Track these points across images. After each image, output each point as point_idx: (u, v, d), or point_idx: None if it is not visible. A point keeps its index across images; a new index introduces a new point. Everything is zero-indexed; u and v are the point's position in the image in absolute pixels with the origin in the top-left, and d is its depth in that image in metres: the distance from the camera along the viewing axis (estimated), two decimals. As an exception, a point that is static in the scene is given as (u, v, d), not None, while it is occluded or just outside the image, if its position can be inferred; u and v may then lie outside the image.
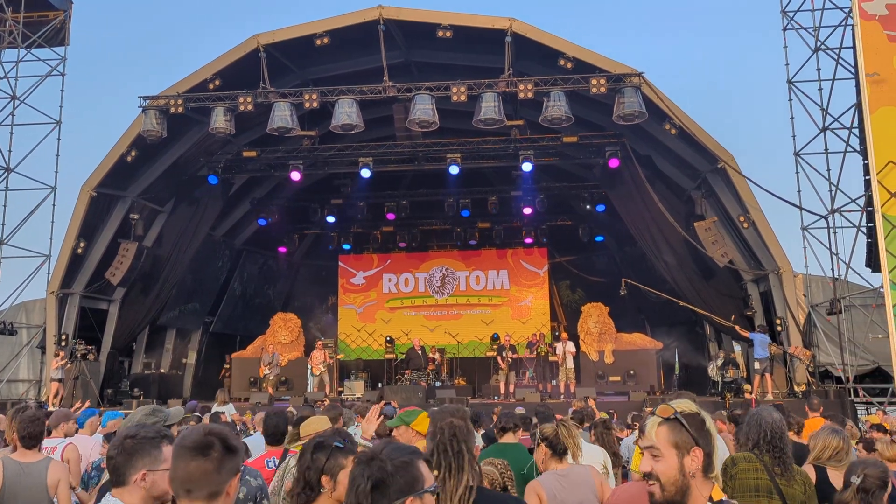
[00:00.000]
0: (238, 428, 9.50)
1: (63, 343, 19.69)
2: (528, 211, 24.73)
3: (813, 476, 4.72)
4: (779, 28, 19.91)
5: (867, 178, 16.59)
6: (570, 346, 20.53)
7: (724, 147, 18.24)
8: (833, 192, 18.30)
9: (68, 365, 19.02)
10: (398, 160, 22.37)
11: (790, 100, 19.54)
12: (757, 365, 17.70)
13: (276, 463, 5.52)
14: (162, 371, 23.79)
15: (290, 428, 5.89)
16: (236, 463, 2.47)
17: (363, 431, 5.82)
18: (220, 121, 17.84)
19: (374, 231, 27.53)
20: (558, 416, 8.43)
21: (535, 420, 6.79)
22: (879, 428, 8.85)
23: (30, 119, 22.25)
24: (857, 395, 16.84)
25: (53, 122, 22.15)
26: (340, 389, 21.58)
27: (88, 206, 19.74)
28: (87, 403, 15.75)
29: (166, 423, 4.17)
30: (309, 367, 21.96)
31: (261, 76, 18.05)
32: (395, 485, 2.17)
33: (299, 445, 5.11)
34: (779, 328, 18.76)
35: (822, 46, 19.10)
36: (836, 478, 4.76)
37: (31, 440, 5.37)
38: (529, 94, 17.04)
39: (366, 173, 21.26)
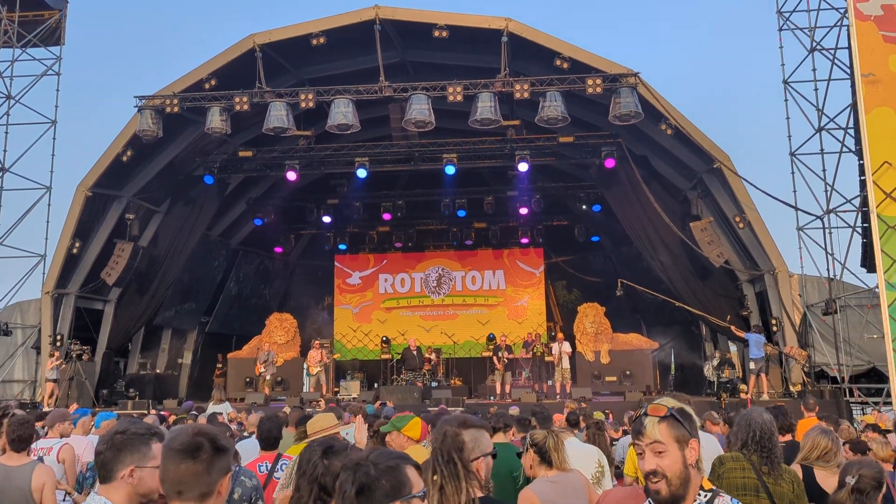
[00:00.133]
0: (235, 426, 9.47)
1: (58, 343, 19.65)
2: (524, 211, 24.74)
3: (800, 476, 4.73)
4: (774, 28, 19.99)
5: (862, 178, 16.61)
6: (566, 347, 20.52)
7: (719, 147, 18.27)
8: (828, 193, 18.37)
9: (63, 365, 18.98)
10: (394, 160, 22.36)
11: (786, 100, 19.63)
12: (752, 365, 17.73)
13: (269, 467, 5.51)
14: (158, 371, 23.75)
15: (284, 431, 5.89)
16: (226, 462, 2.46)
17: (356, 441, 5.83)
18: (215, 121, 17.83)
19: (370, 231, 27.52)
20: (556, 417, 8.45)
21: (533, 421, 6.77)
22: (875, 428, 8.87)
23: (25, 119, 22.25)
24: (852, 395, 16.88)
25: (49, 122, 22.14)
26: (336, 390, 21.57)
27: (84, 206, 19.69)
28: (76, 406, 15.74)
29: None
30: (306, 366, 21.94)
31: (257, 76, 18.03)
32: (380, 489, 2.14)
33: (305, 444, 5.11)
34: (774, 328, 18.79)
35: (818, 47, 19.15)
36: (822, 478, 4.78)
37: (21, 443, 5.33)
38: (525, 94, 17.05)
39: (362, 173, 21.25)
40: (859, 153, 16.59)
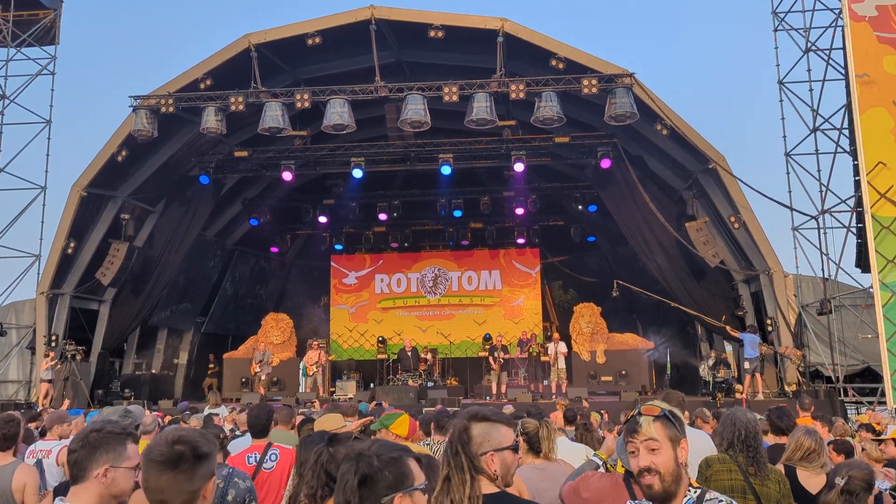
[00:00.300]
0: (230, 427, 9.46)
1: (53, 344, 19.60)
2: (520, 211, 24.74)
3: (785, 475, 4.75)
4: (769, 29, 20.04)
5: (857, 178, 16.67)
6: (562, 347, 20.55)
7: (715, 148, 18.30)
8: (823, 193, 18.41)
9: (58, 366, 18.94)
10: (390, 160, 22.36)
11: (781, 101, 19.67)
12: (747, 365, 17.78)
13: (258, 458, 5.51)
14: (153, 372, 23.72)
15: (274, 429, 5.88)
16: (209, 467, 2.43)
17: None
18: (211, 121, 17.80)
19: (366, 231, 27.50)
20: (553, 416, 8.47)
21: None
22: (869, 428, 8.87)
23: (20, 118, 22.22)
24: (846, 394, 16.92)
25: (43, 122, 22.09)
26: (333, 390, 21.56)
27: (79, 206, 19.65)
28: (67, 404, 15.74)
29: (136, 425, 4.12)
30: (303, 366, 21.95)
31: (252, 76, 18.01)
32: (382, 480, 2.15)
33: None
34: (769, 328, 18.82)
35: (813, 47, 19.19)
36: (805, 478, 4.79)
37: (5, 441, 5.28)
38: (521, 95, 17.06)
39: (357, 173, 21.23)
40: (854, 153, 16.65)
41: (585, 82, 16.96)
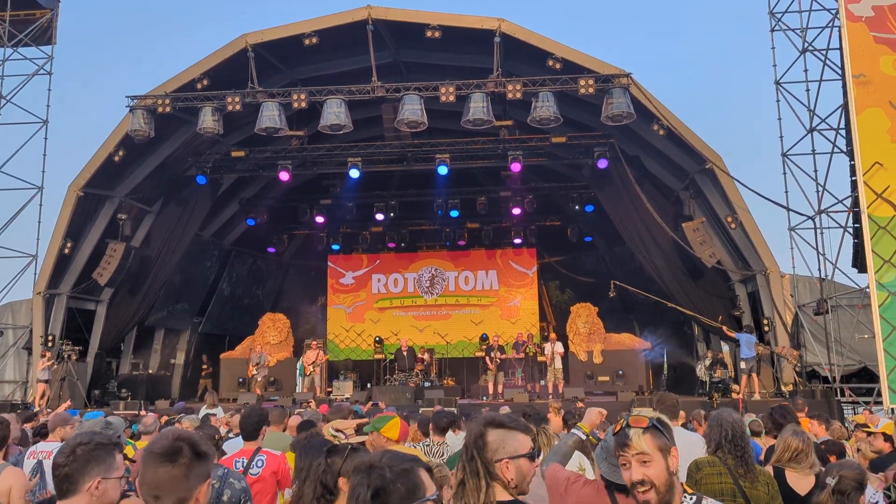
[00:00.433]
0: (225, 431, 9.45)
1: (50, 344, 19.59)
2: (517, 211, 24.76)
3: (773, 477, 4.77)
4: (766, 29, 20.03)
5: (853, 178, 16.67)
6: (559, 347, 20.55)
7: (711, 148, 18.30)
8: (820, 193, 18.40)
9: (55, 366, 18.92)
10: (387, 160, 22.36)
11: (777, 101, 19.67)
12: (743, 365, 17.79)
13: (245, 463, 5.49)
14: (150, 372, 23.70)
15: (269, 431, 5.87)
16: (206, 468, 2.43)
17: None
18: (208, 121, 17.79)
19: (363, 231, 27.49)
20: (551, 418, 8.45)
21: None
22: (865, 428, 8.87)
23: (16, 118, 22.17)
24: (843, 394, 16.92)
25: (40, 122, 22.06)
26: (329, 390, 21.55)
27: (75, 206, 19.64)
28: (68, 404, 15.71)
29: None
30: (300, 366, 21.94)
31: (249, 76, 18.00)
32: (395, 492, 2.14)
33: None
34: (766, 328, 18.84)
35: (810, 48, 19.20)
36: (794, 479, 4.80)
37: None
38: (518, 95, 17.06)
39: (354, 173, 21.22)
40: (850, 154, 16.64)
41: (582, 82, 16.97)
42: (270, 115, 17.61)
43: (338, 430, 4.04)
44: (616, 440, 2.76)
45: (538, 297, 27.56)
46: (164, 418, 11.17)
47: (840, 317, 17.50)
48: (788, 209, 18.78)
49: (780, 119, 19.69)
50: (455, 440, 6.91)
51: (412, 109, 17.27)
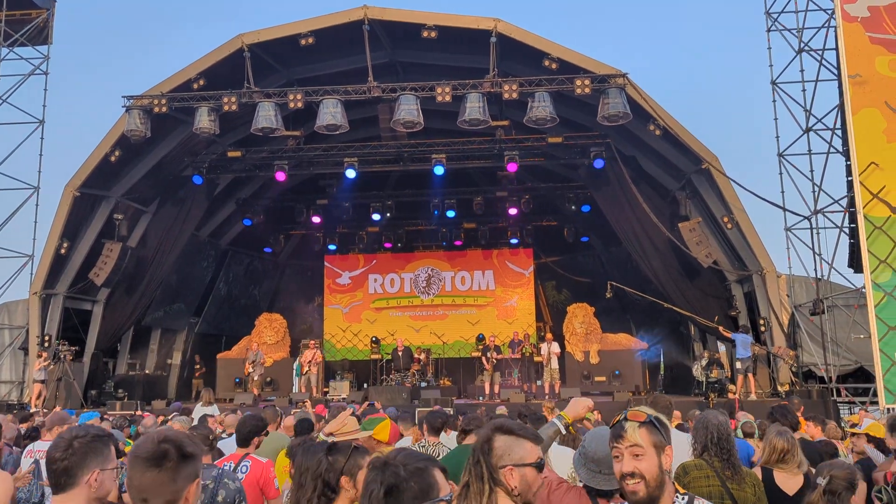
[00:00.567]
0: (219, 431, 9.44)
1: (46, 344, 19.56)
2: (513, 211, 24.76)
3: (759, 477, 4.78)
4: (763, 29, 20.04)
5: (849, 179, 16.69)
6: (555, 347, 20.55)
7: (708, 148, 18.31)
8: (816, 193, 18.44)
9: (51, 366, 18.89)
10: (383, 161, 22.34)
11: (774, 101, 19.69)
12: (739, 365, 17.80)
13: (231, 467, 5.50)
14: (147, 372, 23.67)
15: (266, 432, 5.89)
16: (194, 469, 2.42)
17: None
18: (204, 121, 17.79)
19: (359, 231, 27.48)
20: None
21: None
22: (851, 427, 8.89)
23: (12, 118, 22.15)
24: (839, 394, 16.94)
25: (36, 122, 22.05)
26: (326, 390, 21.54)
27: (72, 207, 19.61)
28: (58, 408, 15.69)
29: None
30: (296, 366, 21.93)
31: (245, 76, 17.99)
32: (408, 491, 2.15)
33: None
34: (762, 328, 18.84)
35: (806, 48, 19.23)
36: (782, 479, 4.83)
37: None
38: (514, 95, 17.07)
39: (351, 174, 21.21)
40: (846, 154, 16.68)
41: (578, 82, 16.98)
42: (267, 116, 17.61)
43: (329, 434, 4.03)
44: (612, 431, 2.75)
45: (535, 298, 27.56)
46: (161, 418, 11.18)
47: (836, 317, 17.52)
48: (785, 209, 18.81)
49: (776, 119, 19.75)
50: (447, 440, 6.91)
51: (408, 109, 17.27)
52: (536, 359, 21.37)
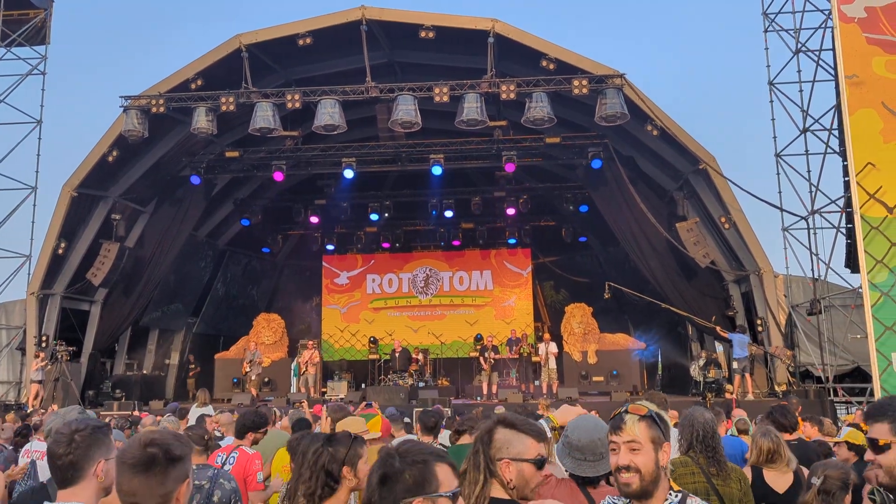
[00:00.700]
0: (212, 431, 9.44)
1: (43, 344, 19.54)
2: (511, 211, 24.77)
3: (749, 478, 4.82)
4: (760, 30, 20.09)
5: (846, 179, 16.72)
6: (553, 347, 20.57)
7: (705, 148, 18.34)
8: (813, 194, 18.47)
9: (49, 366, 18.88)
10: (381, 161, 22.35)
11: (771, 101, 19.72)
12: (735, 365, 17.83)
13: (224, 458, 5.62)
14: (144, 372, 23.65)
15: (261, 430, 5.96)
16: (183, 471, 2.42)
17: None
18: (201, 121, 17.77)
19: (357, 231, 27.50)
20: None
21: None
22: (856, 427, 8.88)
23: (10, 118, 22.16)
24: (836, 394, 16.97)
25: (34, 122, 22.04)
26: (324, 390, 21.55)
27: (69, 207, 19.61)
28: (54, 408, 15.69)
29: None
30: (294, 366, 21.93)
31: (243, 76, 17.98)
32: (402, 483, 2.15)
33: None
34: (760, 328, 18.87)
35: (803, 48, 19.25)
36: (771, 478, 4.86)
37: None
38: (512, 95, 17.08)
39: (349, 174, 21.21)
40: (843, 154, 16.70)
41: (576, 83, 16.98)
42: (264, 116, 17.60)
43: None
44: (611, 423, 2.75)
45: (533, 298, 27.57)
46: (159, 418, 11.18)
47: (833, 317, 17.55)
48: (782, 209, 18.85)
49: (773, 119, 19.77)
50: (444, 439, 6.94)
51: (406, 110, 17.27)
52: (534, 359, 21.38)
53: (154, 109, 17.94)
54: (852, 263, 17.77)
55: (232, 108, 17.65)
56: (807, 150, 19.02)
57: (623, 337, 23.07)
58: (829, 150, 18.40)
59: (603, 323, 23.19)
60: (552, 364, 20.39)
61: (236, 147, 21.55)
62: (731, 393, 17.84)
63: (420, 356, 22.33)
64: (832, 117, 18.35)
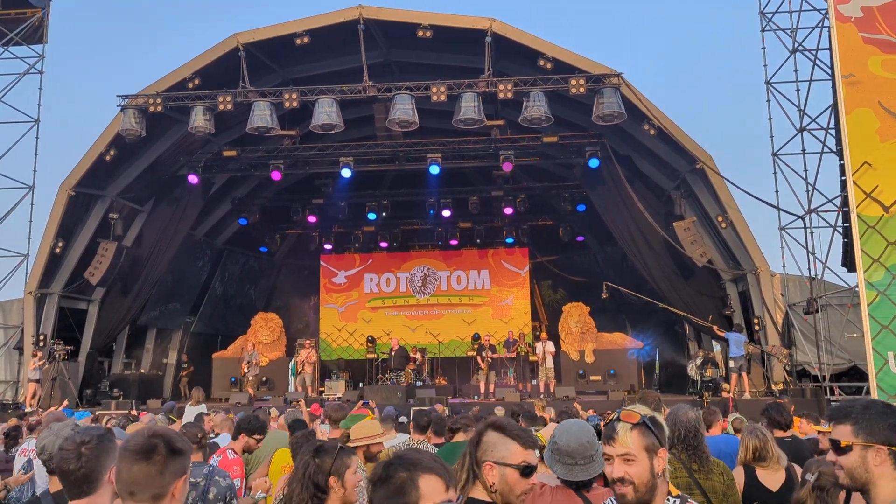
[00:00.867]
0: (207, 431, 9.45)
1: (41, 343, 19.54)
2: (508, 211, 24.80)
3: (742, 477, 4.85)
4: (757, 29, 20.09)
5: (843, 178, 16.74)
6: (550, 346, 20.59)
7: (702, 147, 18.36)
8: (810, 193, 18.48)
9: (46, 366, 18.88)
10: (379, 160, 22.36)
11: (768, 101, 19.72)
12: (732, 364, 17.86)
13: (216, 460, 5.61)
14: (142, 371, 23.65)
15: (254, 434, 6.01)
16: (182, 465, 2.45)
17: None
18: (199, 120, 17.78)
19: (355, 231, 27.52)
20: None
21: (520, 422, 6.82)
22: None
23: (7, 117, 22.11)
24: (833, 393, 16.99)
25: (31, 121, 22.00)
26: (322, 389, 21.55)
27: (67, 206, 19.60)
28: (66, 403, 15.73)
29: None
30: (292, 366, 21.93)
31: (241, 75, 17.98)
32: (384, 490, 2.27)
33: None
34: (757, 327, 18.90)
35: (800, 48, 19.26)
36: (764, 476, 4.88)
37: None
38: (509, 94, 17.09)
39: (346, 173, 21.22)
40: (840, 153, 16.71)
41: (573, 82, 17.01)
42: (262, 115, 17.61)
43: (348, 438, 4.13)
44: (604, 432, 2.73)
45: (530, 297, 27.60)
46: (157, 417, 11.18)
47: (830, 316, 17.58)
48: (779, 209, 18.85)
49: (770, 119, 19.78)
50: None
51: (403, 109, 17.28)
52: (532, 358, 21.40)
53: (151, 109, 17.95)
54: (849, 262, 17.78)
55: (229, 107, 17.66)
56: (804, 150, 19.04)
57: (620, 336, 23.11)
58: (825, 150, 18.41)
59: (600, 322, 23.22)
60: (549, 363, 20.41)
61: (234, 146, 21.54)
62: (728, 392, 17.85)
63: (418, 355, 22.33)
64: (829, 116, 18.38)
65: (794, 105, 19.18)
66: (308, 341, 22.20)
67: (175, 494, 2.42)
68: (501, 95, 17.12)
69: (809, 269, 18.28)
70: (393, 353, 21.69)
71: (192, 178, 21.33)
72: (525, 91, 17.18)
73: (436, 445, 6.55)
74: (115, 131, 18.58)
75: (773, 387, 18.35)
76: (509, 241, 26.99)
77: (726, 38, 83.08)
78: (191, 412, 11.84)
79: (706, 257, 19.20)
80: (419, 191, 25.00)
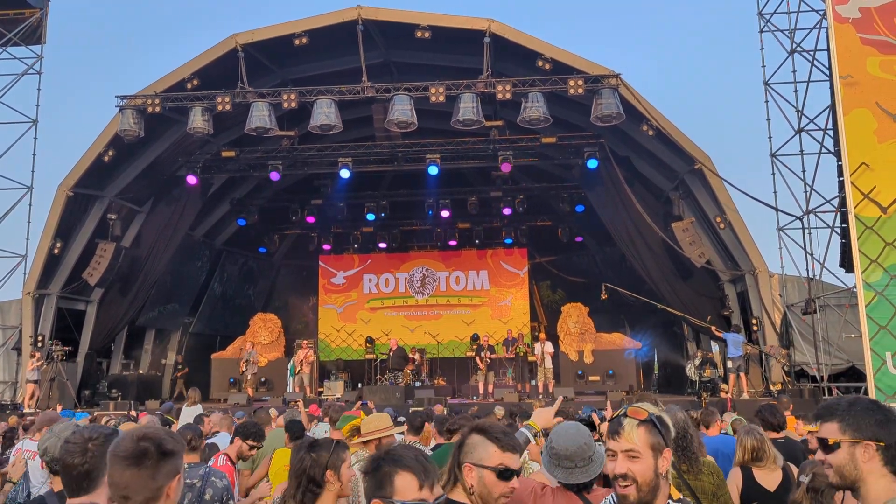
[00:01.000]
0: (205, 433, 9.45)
1: (39, 344, 19.53)
2: (507, 211, 24.81)
3: (740, 478, 4.85)
4: (755, 30, 20.11)
5: (841, 179, 16.76)
6: (549, 347, 20.60)
7: (700, 148, 18.37)
8: (808, 193, 18.50)
9: (44, 366, 18.87)
10: (377, 160, 22.35)
11: (766, 101, 19.76)
12: (730, 364, 17.86)
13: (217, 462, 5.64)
14: (140, 372, 23.66)
15: (251, 438, 6.04)
16: (174, 466, 2.43)
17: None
18: (198, 121, 17.77)
19: (354, 231, 27.52)
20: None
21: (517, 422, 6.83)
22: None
23: (5, 118, 22.11)
24: (831, 393, 17.00)
25: (30, 122, 21.99)
26: (321, 390, 21.56)
27: (65, 206, 19.59)
28: (60, 407, 15.70)
29: None
30: (291, 366, 21.94)
31: (239, 76, 17.98)
32: (370, 481, 2.46)
33: (357, 442, 5.26)
34: (755, 328, 18.91)
35: (798, 49, 19.29)
36: (761, 476, 4.89)
37: None
38: (508, 95, 17.10)
39: (345, 174, 21.22)
40: (838, 154, 16.72)
41: (572, 83, 17.01)
42: (260, 115, 17.61)
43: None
44: (609, 426, 2.66)
45: (529, 297, 27.60)
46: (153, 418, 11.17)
47: (828, 316, 17.60)
48: (777, 209, 18.87)
49: (768, 120, 19.79)
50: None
51: (402, 110, 17.28)
52: (530, 358, 21.41)
53: (150, 109, 17.94)
54: (847, 263, 17.81)
55: (228, 107, 17.65)
56: (802, 150, 19.08)
57: (619, 336, 23.11)
58: (823, 150, 18.45)
59: (599, 322, 23.22)
60: (548, 364, 20.41)
61: (232, 147, 21.53)
62: (727, 392, 17.86)
63: (416, 356, 22.33)
64: (827, 117, 18.41)
65: (793, 106, 19.22)
66: (306, 341, 22.20)
67: (170, 494, 2.41)
68: (500, 96, 17.12)
69: (807, 269, 18.33)
70: (392, 354, 21.67)
71: (191, 179, 21.32)
72: (524, 92, 17.18)
73: (437, 445, 6.56)
74: (113, 132, 18.56)
75: (771, 387, 18.36)
76: (508, 241, 26.98)
77: (725, 39, 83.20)
78: (187, 413, 11.83)
79: (704, 258, 19.21)
80: (418, 191, 25.00)
